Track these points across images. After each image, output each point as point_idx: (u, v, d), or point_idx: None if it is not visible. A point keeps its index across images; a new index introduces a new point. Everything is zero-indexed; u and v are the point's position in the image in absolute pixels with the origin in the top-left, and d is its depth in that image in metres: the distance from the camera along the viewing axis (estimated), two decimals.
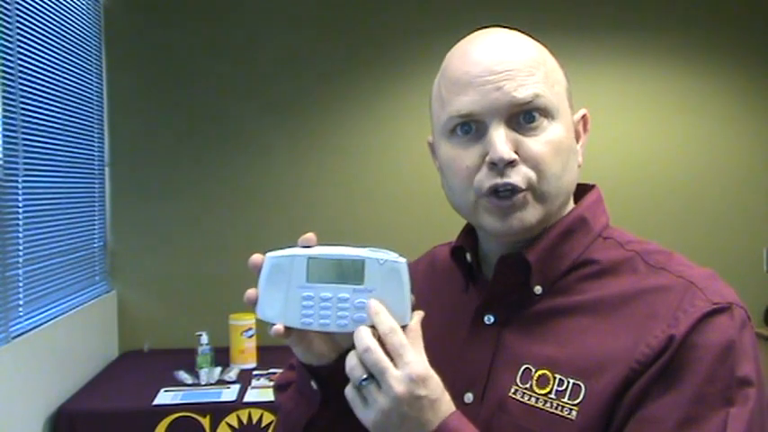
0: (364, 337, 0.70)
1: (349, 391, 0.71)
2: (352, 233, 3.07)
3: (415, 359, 0.68)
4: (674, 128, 3.30)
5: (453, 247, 0.88)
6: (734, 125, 3.32)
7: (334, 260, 0.72)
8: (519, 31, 0.81)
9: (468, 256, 0.86)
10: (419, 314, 0.74)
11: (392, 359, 0.68)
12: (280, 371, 2.57)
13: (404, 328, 0.71)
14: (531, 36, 0.82)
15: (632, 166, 3.26)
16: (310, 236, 0.74)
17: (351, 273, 0.71)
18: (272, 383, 2.45)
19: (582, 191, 0.85)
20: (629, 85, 3.28)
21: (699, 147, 3.31)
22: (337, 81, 3.16)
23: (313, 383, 0.78)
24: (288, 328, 0.73)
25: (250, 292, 0.75)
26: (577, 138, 0.83)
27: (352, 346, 0.73)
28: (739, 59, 3.31)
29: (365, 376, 0.69)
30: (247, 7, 3.12)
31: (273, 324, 0.74)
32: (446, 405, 0.70)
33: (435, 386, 0.69)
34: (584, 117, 0.85)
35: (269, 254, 0.74)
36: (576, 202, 0.84)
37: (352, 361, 0.70)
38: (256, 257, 0.75)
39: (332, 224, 3.09)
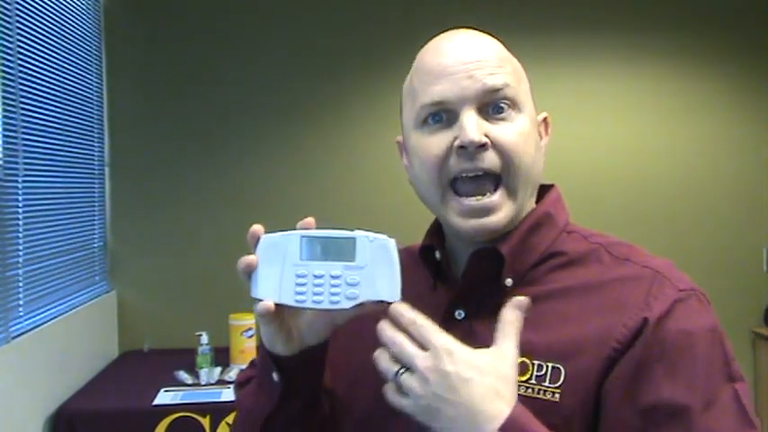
0: (387, 330, 0.69)
1: (388, 391, 0.70)
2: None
3: (442, 337, 0.68)
4: (673, 128, 3.30)
5: (422, 247, 0.88)
6: (734, 125, 3.32)
7: (326, 238, 0.73)
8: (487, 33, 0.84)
9: (438, 254, 0.87)
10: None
11: (421, 346, 0.68)
12: None
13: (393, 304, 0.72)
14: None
15: (632, 167, 3.26)
16: (310, 220, 0.75)
17: (342, 250, 0.73)
18: None
19: (541, 191, 0.86)
20: (629, 86, 3.28)
21: (699, 147, 3.31)
22: (337, 82, 3.16)
23: (275, 375, 0.78)
24: (279, 308, 0.72)
25: (250, 257, 0.73)
26: (540, 138, 0.85)
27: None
28: (739, 59, 3.31)
29: (398, 368, 0.68)
30: (247, 8, 3.12)
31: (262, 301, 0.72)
32: (496, 393, 0.66)
33: (466, 365, 0.66)
34: (545, 120, 0.86)
35: (264, 234, 0.74)
36: (537, 202, 0.86)
37: (383, 361, 0.70)
38: (257, 228, 0.74)
39: (332, 223, 3.08)
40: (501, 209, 0.77)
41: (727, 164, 3.31)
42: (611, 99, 3.27)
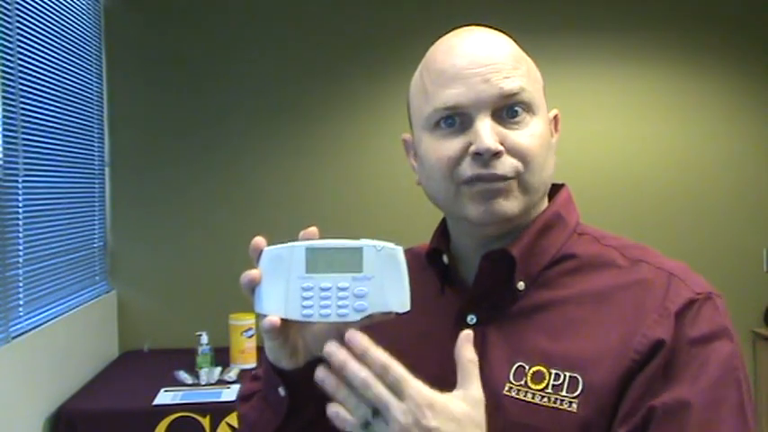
0: (358, 372, 0.64)
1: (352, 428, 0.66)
2: (352, 233, 3.06)
3: (419, 388, 0.64)
4: (673, 128, 3.30)
5: (429, 250, 0.87)
6: (734, 125, 3.32)
7: (332, 249, 0.71)
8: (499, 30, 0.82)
9: (445, 258, 0.86)
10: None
11: (394, 393, 0.64)
12: None
13: (404, 314, 0.71)
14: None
15: (631, 166, 3.26)
16: (312, 230, 0.73)
17: (349, 261, 0.71)
18: None
19: (551, 189, 0.85)
20: (630, 85, 3.28)
21: (699, 147, 3.31)
22: (340, 83, 3.15)
23: (281, 390, 0.76)
24: (285, 322, 0.71)
25: (253, 272, 0.70)
26: (551, 137, 0.84)
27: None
28: (741, 59, 3.31)
29: (371, 415, 0.64)
30: (247, 8, 3.12)
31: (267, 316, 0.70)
32: None
33: (446, 418, 0.64)
34: (555, 117, 0.85)
35: (267, 247, 0.72)
36: (548, 200, 0.85)
37: (351, 401, 0.65)
38: (259, 240, 0.72)
39: (331, 223, 3.08)
40: (514, 196, 0.76)
41: (727, 164, 3.31)
42: (610, 99, 3.27)
